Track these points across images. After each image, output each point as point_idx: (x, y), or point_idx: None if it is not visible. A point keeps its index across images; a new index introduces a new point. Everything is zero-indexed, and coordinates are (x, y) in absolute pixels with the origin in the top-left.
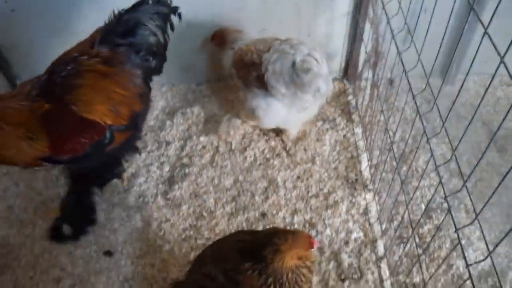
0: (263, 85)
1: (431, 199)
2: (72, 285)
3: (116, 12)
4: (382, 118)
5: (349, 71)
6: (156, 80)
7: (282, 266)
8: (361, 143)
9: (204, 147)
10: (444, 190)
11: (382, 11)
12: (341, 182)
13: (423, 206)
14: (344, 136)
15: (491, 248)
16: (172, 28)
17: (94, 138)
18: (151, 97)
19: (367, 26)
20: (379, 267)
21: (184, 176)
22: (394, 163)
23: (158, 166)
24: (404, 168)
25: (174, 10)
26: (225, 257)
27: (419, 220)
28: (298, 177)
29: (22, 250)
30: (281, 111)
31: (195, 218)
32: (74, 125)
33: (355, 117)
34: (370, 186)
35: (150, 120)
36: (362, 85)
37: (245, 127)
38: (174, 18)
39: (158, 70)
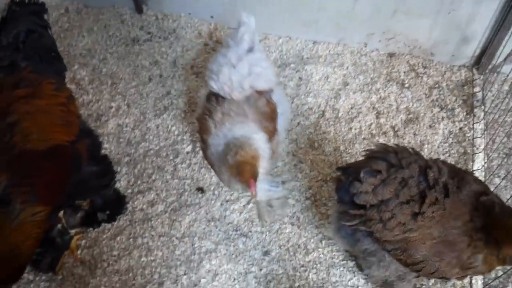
0: None
1: None
2: (163, 211)
3: None
4: None
5: (483, 60)
6: (273, 31)
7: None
8: (478, 141)
9: (310, 108)
10: None
11: None
12: None
13: None
14: (461, 129)
15: None
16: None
17: (66, 161)
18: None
19: None
20: None
21: (286, 134)
22: None
23: None
24: None
25: (42, 5)
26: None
27: None
28: None
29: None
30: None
31: (289, 176)
32: (42, 161)
33: (478, 111)
34: None
35: None
36: (495, 78)
37: (356, 96)
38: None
39: (63, 68)
